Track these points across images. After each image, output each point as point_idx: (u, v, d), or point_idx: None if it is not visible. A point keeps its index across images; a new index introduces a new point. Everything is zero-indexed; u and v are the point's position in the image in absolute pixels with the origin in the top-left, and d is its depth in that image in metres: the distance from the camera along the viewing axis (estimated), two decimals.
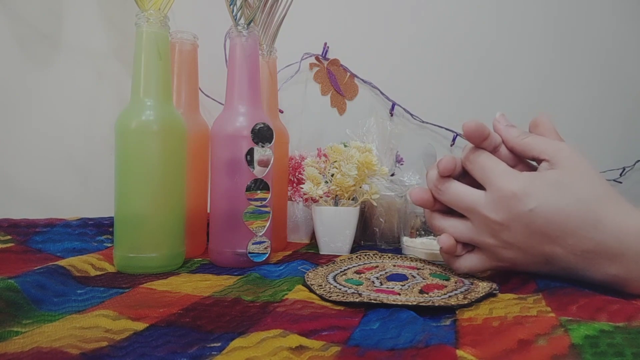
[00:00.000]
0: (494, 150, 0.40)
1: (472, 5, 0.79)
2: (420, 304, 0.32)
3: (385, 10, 0.80)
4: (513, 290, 0.37)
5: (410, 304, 0.32)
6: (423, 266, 0.44)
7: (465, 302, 0.33)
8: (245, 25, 0.49)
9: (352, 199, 0.58)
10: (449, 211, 0.41)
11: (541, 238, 0.35)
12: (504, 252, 0.38)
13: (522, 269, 0.39)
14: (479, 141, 0.39)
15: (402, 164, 0.72)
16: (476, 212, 0.38)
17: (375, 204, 0.59)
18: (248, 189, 0.48)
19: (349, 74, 0.81)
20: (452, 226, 0.40)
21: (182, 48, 0.55)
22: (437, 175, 0.40)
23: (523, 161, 0.40)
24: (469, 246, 0.41)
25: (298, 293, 0.36)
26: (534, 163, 0.40)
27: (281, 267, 0.46)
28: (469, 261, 0.41)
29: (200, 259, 0.52)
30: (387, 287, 0.37)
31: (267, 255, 0.49)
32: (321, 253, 0.57)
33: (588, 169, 0.36)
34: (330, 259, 0.51)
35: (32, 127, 0.64)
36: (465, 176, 0.41)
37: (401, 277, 0.40)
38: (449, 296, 0.35)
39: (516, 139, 0.39)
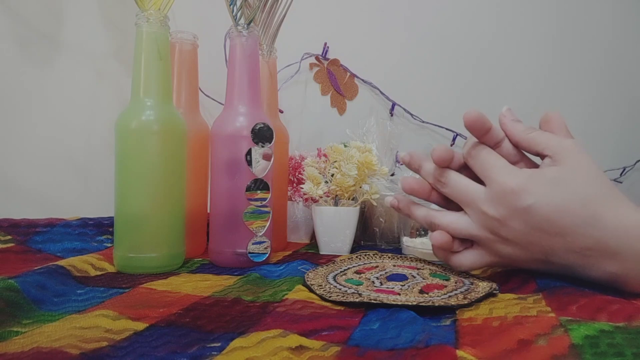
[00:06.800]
0: (495, 146, 0.40)
1: (472, 5, 0.79)
2: (420, 304, 0.32)
3: (385, 10, 0.80)
4: (513, 290, 0.37)
5: (410, 304, 0.32)
6: (423, 266, 0.44)
7: (465, 302, 0.33)
8: (245, 25, 0.49)
9: (352, 199, 0.58)
10: (445, 206, 0.41)
11: (539, 234, 0.35)
12: (503, 248, 0.38)
13: (521, 265, 0.39)
14: (480, 134, 0.39)
15: (402, 164, 0.72)
16: (475, 206, 0.38)
17: (375, 204, 0.59)
18: (248, 189, 0.48)
19: (349, 74, 0.81)
20: (451, 221, 0.40)
21: (182, 48, 0.55)
22: (437, 167, 0.41)
23: (525, 158, 0.40)
24: (467, 242, 0.41)
25: (298, 293, 0.36)
26: (537, 161, 0.40)
27: (281, 267, 0.46)
28: (468, 257, 0.41)
29: (200, 259, 0.52)
30: (387, 287, 0.37)
31: (267, 255, 0.49)
32: (321, 253, 0.57)
33: (590, 166, 0.35)
34: (330, 259, 0.51)
35: (32, 127, 0.64)
36: (466, 169, 0.41)
37: (401, 277, 0.40)
38: (449, 296, 0.35)
39: (521, 133, 0.39)
